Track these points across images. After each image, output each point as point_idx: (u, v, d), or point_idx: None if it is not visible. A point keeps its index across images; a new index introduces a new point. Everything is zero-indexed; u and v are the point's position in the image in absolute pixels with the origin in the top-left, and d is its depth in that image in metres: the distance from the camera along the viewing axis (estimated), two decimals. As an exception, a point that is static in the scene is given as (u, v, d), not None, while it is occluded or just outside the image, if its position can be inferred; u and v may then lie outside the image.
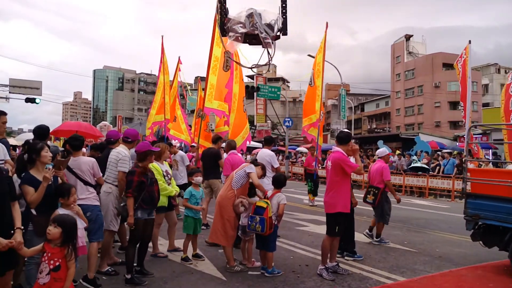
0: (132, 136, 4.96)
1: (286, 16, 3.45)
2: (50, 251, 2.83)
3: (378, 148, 21.23)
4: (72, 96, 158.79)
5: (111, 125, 6.73)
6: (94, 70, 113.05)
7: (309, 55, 22.63)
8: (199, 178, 5.37)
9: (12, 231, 2.81)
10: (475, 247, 6.61)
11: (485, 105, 42.09)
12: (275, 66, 79.75)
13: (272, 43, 3.34)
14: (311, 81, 9.38)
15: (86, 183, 4.31)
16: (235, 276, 4.67)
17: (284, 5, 3.46)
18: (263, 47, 3.48)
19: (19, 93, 23.00)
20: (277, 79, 64.53)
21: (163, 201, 5.18)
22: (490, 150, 21.08)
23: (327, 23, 9.24)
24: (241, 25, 3.25)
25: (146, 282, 4.33)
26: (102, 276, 4.45)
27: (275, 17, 3.36)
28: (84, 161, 4.40)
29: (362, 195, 6.91)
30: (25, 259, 3.45)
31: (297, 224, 8.06)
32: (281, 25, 3.39)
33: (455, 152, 19.10)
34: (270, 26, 3.31)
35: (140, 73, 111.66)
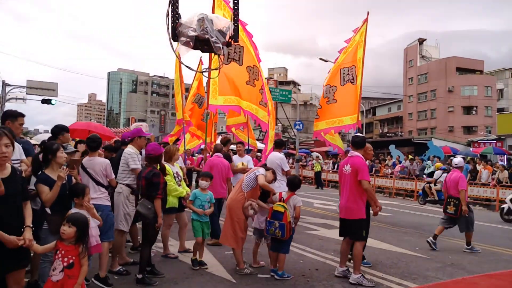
0: (131, 134, 5.15)
1: (237, 24, 3.49)
2: (64, 248, 2.88)
3: (390, 153, 21.08)
4: (86, 98, 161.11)
5: (147, 125, 6.65)
6: (109, 73, 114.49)
7: (320, 59, 22.55)
8: (203, 183, 5.15)
9: (23, 229, 2.86)
10: (487, 254, 6.50)
11: (500, 110, 41.22)
12: (286, 70, 79.79)
13: (222, 48, 3.35)
14: (353, 79, 8.89)
15: (98, 183, 4.39)
16: (244, 279, 4.68)
17: (236, 13, 3.49)
18: (215, 53, 3.50)
19: (36, 94, 23.49)
20: (288, 83, 64.57)
21: (173, 202, 5.23)
22: (505, 156, 20.67)
23: (368, 12, 8.51)
24: (192, 29, 3.26)
25: (157, 282, 4.37)
26: (114, 276, 4.51)
27: (226, 24, 3.38)
28: (98, 162, 4.49)
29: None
30: (41, 257, 3.52)
31: (307, 228, 8.03)
32: (232, 32, 3.42)
33: (469, 157, 18.78)
34: (221, 32, 3.33)
35: (153, 76, 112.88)
